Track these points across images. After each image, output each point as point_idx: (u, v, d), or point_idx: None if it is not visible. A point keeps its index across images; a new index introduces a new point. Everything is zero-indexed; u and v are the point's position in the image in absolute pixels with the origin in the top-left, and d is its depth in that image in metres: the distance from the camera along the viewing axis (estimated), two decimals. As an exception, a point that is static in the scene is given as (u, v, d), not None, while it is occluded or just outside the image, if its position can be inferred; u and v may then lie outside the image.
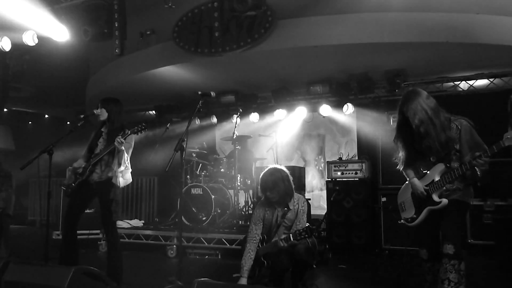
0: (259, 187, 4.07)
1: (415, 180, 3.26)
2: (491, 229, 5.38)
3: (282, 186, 3.80)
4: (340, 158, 6.57)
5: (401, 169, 3.37)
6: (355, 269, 5.12)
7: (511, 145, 2.75)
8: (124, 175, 4.01)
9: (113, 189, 3.94)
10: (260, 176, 3.94)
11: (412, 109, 3.07)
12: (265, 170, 3.96)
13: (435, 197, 3.11)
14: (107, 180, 3.98)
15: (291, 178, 3.92)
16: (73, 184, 4.01)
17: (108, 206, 3.97)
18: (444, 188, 3.08)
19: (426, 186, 3.18)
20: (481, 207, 5.65)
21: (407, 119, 3.11)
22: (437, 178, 3.11)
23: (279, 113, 7.58)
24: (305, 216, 3.91)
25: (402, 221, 3.46)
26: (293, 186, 3.93)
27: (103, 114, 4.07)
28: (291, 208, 3.86)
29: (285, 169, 3.96)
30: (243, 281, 3.72)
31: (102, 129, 4.14)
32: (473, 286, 3.98)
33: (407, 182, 3.44)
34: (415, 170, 3.34)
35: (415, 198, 3.29)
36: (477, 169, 2.96)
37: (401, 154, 3.33)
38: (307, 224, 3.66)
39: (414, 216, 3.25)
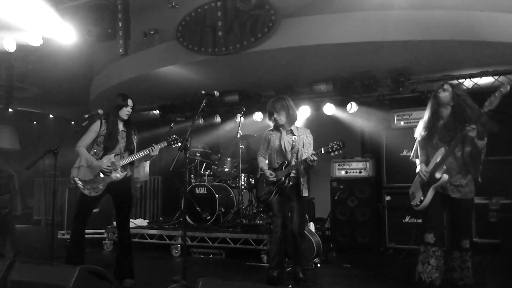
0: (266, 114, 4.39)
1: (421, 165, 3.62)
2: (496, 228, 5.36)
3: (287, 110, 4.17)
4: (344, 157, 6.55)
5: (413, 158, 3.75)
6: (360, 268, 5.12)
7: (490, 109, 3.18)
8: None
9: (134, 185, 4.04)
10: (269, 103, 4.30)
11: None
12: (275, 97, 4.39)
13: (437, 175, 3.44)
14: (129, 177, 4.09)
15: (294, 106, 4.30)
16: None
17: (129, 202, 4.13)
18: (445, 167, 3.42)
19: (430, 170, 3.50)
20: (486, 206, 5.63)
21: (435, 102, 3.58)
22: (438, 160, 3.46)
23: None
24: (312, 147, 4.23)
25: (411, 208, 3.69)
26: (297, 115, 4.28)
27: (131, 111, 4.13)
28: (295, 134, 4.19)
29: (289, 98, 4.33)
30: (267, 172, 4.19)
31: (120, 127, 4.13)
32: (478, 284, 3.98)
33: (417, 175, 3.73)
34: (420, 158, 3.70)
35: (422, 183, 3.59)
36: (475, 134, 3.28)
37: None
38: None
39: (422, 198, 3.53)
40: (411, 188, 3.77)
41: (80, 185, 4.00)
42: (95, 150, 4.06)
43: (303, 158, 4.04)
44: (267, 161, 4.38)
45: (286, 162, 4.17)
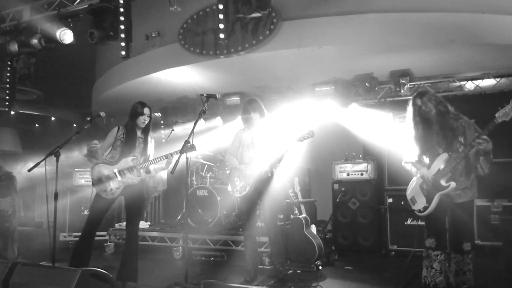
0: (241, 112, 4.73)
1: (424, 169, 3.57)
2: (498, 230, 5.34)
3: (261, 110, 4.58)
4: (346, 159, 6.55)
5: (414, 160, 3.66)
6: (361, 271, 5.11)
7: (504, 120, 3.10)
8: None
9: (146, 189, 4.09)
10: (245, 103, 4.73)
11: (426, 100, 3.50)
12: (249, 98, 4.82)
13: (442, 182, 3.41)
14: (144, 181, 4.18)
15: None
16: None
17: (141, 206, 4.27)
18: (450, 174, 3.39)
19: (433, 176, 3.48)
20: (488, 208, 5.61)
21: (421, 112, 3.49)
22: (442, 166, 3.43)
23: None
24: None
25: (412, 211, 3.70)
26: (265, 115, 4.63)
27: (148, 119, 4.21)
28: (263, 132, 4.57)
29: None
30: (242, 166, 4.51)
31: (138, 134, 4.21)
32: (481, 287, 3.96)
33: (413, 179, 3.74)
34: (421, 163, 3.66)
35: (424, 189, 3.57)
36: (480, 149, 3.26)
37: (414, 147, 3.62)
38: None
39: (426, 205, 3.52)
40: (410, 192, 3.75)
41: (96, 187, 4.10)
42: (111, 154, 4.16)
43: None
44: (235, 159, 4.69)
45: (258, 158, 4.46)
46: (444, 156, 3.43)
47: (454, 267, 3.52)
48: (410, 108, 3.59)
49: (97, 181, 4.09)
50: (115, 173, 4.06)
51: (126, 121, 4.26)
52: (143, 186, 4.21)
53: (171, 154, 4.08)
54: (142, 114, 4.16)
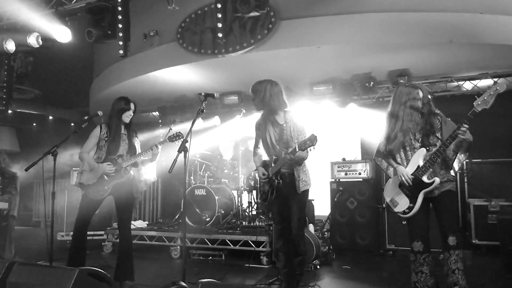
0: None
1: (401, 167, 3.37)
2: (495, 229, 5.35)
3: (267, 95, 3.60)
4: (344, 159, 6.55)
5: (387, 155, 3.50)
6: (359, 270, 5.11)
7: (484, 108, 3.03)
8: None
9: (135, 187, 4.06)
10: None
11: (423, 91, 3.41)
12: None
13: (425, 179, 3.24)
14: (132, 179, 4.13)
15: (282, 92, 3.68)
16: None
17: (131, 204, 4.16)
18: (431, 170, 3.23)
19: (412, 174, 3.29)
20: (486, 207, 5.63)
21: (418, 105, 3.32)
22: (421, 163, 3.26)
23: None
24: (304, 133, 3.63)
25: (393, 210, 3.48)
26: (283, 102, 3.67)
27: (132, 114, 4.15)
28: (281, 123, 3.65)
29: (278, 83, 3.71)
30: (260, 171, 3.76)
31: (122, 130, 4.15)
32: (478, 286, 3.97)
33: (390, 179, 3.54)
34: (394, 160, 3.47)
35: (404, 189, 3.38)
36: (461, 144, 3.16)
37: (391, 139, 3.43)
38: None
39: (411, 205, 3.32)
40: (388, 194, 3.50)
41: (82, 190, 4.04)
42: (97, 155, 4.08)
43: (284, 156, 3.52)
44: (263, 157, 3.89)
45: (275, 158, 3.67)
46: (423, 152, 3.29)
47: (445, 269, 3.23)
48: (405, 98, 3.36)
49: (82, 184, 4.04)
50: (102, 173, 4.00)
51: (109, 118, 4.14)
52: (131, 184, 4.15)
53: (156, 146, 4.06)
54: (129, 109, 4.09)
